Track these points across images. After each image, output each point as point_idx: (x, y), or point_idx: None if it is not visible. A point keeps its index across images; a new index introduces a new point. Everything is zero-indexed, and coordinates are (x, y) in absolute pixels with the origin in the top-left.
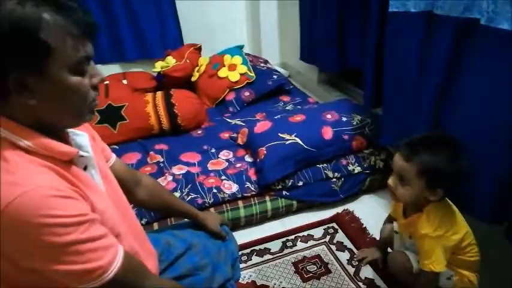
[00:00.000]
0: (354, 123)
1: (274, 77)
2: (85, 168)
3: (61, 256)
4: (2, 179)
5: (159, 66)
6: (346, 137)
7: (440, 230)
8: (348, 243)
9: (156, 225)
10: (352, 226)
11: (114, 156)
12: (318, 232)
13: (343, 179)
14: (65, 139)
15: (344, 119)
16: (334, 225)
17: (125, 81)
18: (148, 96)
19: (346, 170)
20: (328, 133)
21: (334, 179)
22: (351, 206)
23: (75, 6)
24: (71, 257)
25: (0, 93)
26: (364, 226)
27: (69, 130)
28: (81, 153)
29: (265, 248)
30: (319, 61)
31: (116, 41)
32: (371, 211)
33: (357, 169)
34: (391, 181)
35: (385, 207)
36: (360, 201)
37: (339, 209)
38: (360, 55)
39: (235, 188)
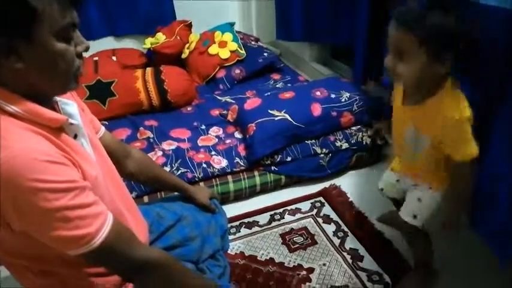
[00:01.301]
0: (343, 100)
1: (265, 54)
2: (75, 137)
3: (49, 221)
4: None
5: (148, 42)
6: (334, 113)
7: (467, 110)
8: (334, 216)
9: (146, 199)
10: (338, 200)
11: (103, 128)
12: (305, 206)
13: (330, 154)
14: (54, 108)
15: (333, 95)
16: (321, 199)
17: (114, 58)
18: (138, 72)
19: (334, 146)
20: (317, 110)
21: (322, 155)
22: (338, 181)
23: None
24: (59, 222)
25: None
26: (350, 200)
27: (59, 99)
28: (71, 120)
29: (253, 221)
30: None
31: (106, 15)
32: (357, 186)
33: (345, 145)
34: (388, 60)
35: (371, 182)
36: (347, 176)
37: (326, 184)
38: (351, 32)
39: (224, 163)
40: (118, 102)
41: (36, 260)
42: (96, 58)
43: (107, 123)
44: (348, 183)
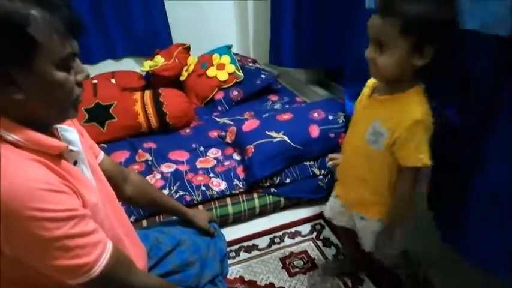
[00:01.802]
0: (340, 121)
1: (263, 76)
2: (75, 164)
3: (48, 250)
4: None
5: (147, 65)
6: (332, 135)
7: (429, 113)
8: (334, 239)
9: (145, 223)
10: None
11: (102, 153)
12: (305, 228)
13: (329, 176)
14: (54, 135)
15: (330, 117)
16: (321, 221)
17: (113, 80)
18: (137, 95)
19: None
20: (315, 131)
21: (321, 176)
22: None
23: (61, 4)
24: (58, 252)
25: None
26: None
27: (58, 126)
28: (71, 147)
29: (253, 244)
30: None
31: (105, 38)
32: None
33: None
34: (368, 52)
35: None
36: None
37: (325, 206)
38: (341, 56)
39: (223, 185)
40: (117, 124)
41: (32, 286)
42: (95, 81)
43: (105, 146)
44: None
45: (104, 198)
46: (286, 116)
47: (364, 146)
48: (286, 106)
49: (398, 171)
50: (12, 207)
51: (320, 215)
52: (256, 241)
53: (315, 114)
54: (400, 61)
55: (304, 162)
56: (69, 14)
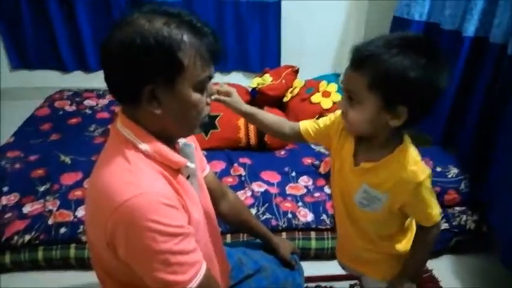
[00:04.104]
0: (449, 175)
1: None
2: (187, 177)
3: (151, 261)
4: (124, 178)
5: (256, 82)
6: (438, 189)
7: (425, 168)
8: None
9: (229, 237)
10: (428, 286)
11: (208, 167)
12: None
13: None
14: (175, 148)
15: (438, 169)
16: None
17: None
18: None
19: None
20: None
21: None
22: (430, 264)
23: (209, 32)
24: (160, 264)
25: (134, 98)
26: None
27: (180, 140)
28: (189, 164)
29: (331, 287)
30: None
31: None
32: (453, 275)
33: (444, 225)
34: (340, 105)
35: (471, 273)
36: (442, 260)
37: None
38: None
39: (310, 217)
40: (219, 135)
41: (128, 286)
42: None
43: (205, 153)
44: (441, 268)
45: (205, 214)
46: None
47: (353, 207)
48: None
49: (417, 229)
50: (134, 214)
51: None
52: (334, 284)
53: None
54: (370, 118)
55: None
56: (214, 42)
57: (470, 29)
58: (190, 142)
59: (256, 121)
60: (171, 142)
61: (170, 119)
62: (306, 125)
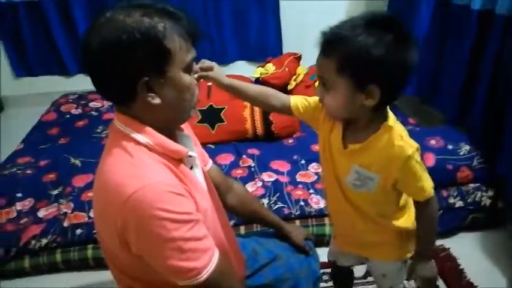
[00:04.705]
0: (461, 153)
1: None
2: (191, 168)
3: (164, 249)
4: (128, 172)
5: (259, 72)
6: (450, 166)
7: (412, 142)
8: (440, 283)
9: (242, 229)
10: (447, 265)
11: (210, 161)
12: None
13: (441, 211)
14: (174, 140)
15: (450, 147)
16: None
17: None
18: None
19: (446, 203)
20: (430, 160)
21: None
22: (447, 243)
23: (184, 15)
24: (173, 252)
25: (129, 95)
26: (461, 267)
27: (177, 132)
28: (190, 153)
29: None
30: None
31: (221, 43)
32: (470, 252)
33: (459, 203)
34: (317, 91)
35: (487, 250)
36: (459, 239)
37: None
38: None
39: (322, 203)
40: (225, 128)
41: (143, 283)
42: (210, 83)
43: (213, 146)
44: (459, 246)
45: (212, 204)
46: None
47: (347, 190)
48: None
49: (415, 208)
50: (142, 205)
51: None
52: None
53: (432, 141)
54: (346, 102)
55: None
56: (192, 23)
57: (477, 1)
58: (188, 135)
59: (241, 94)
60: (169, 133)
61: (168, 106)
62: (297, 101)
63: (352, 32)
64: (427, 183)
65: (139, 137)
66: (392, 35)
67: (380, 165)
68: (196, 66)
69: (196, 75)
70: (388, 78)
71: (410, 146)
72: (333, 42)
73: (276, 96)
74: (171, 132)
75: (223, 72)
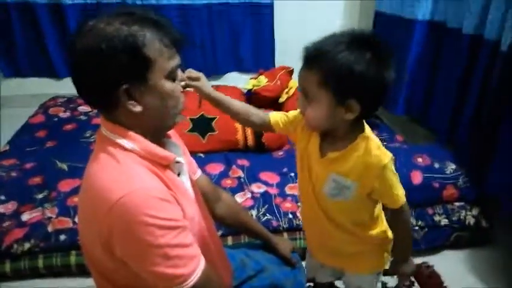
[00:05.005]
0: (447, 171)
1: (372, 115)
2: (178, 175)
3: (150, 256)
4: (115, 177)
5: (251, 83)
6: (436, 184)
7: (387, 152)
8: None
9: (230, 239)
10: (430, 281)
11: (199, 170)
12: (392, 280)
13: (426, 229)
14: (162, 147)
15: (436, 165)
16: (411, 277)
17: None
18: None
19: (432, 220)
20: (417, 177)
21: (417, 227)
22: (431, 259)
23: (166, 22)
24: (159, 258)
25: (111, 103)
26: (445, 285)
27: (165, 140)
28: (178, 159)
29: (330, 283)
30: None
31: (212, 55)
32: (454, 269)
33: (444, 221)
34: (298, 103)
35: (471, 268)
36: (442, 256)
37: (417, 260)
38: None
39: None
40: (216, 138)
41: None
42: None
43: (203, 155)
44: (443, 264)
45: (200, 212)
46: None
47: (323, 200)
48: (385, 143)
49: (389, 216)
50: (129, 211)
51: None
52: (337, 282)
53: (420, 159)
54: (326, 114)
55: None
56: (174, 31)
57: (468, 26)
58: (176, 143)
59: (223, 107)
60: (156, 139)
61: (151, 113)
62: (276, 117)
63: (335, 48)
64: (401, 191)
65: (125, 142)
66: (373, 53)
67: (357, 173)
68: (182, 75)
69: (182, 83)
70: (368, 93)
71: (386, 155)
72: (316, 57)
73: (257, 114)
74: (159, 140)
75: (209, 83)
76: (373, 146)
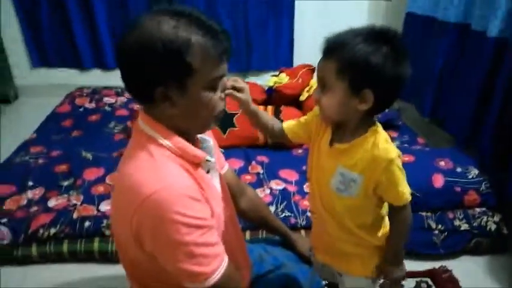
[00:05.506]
0: (470, 176)
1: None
2: (207, 172)
3: (176, 252)
4: (149, 172)
5: (272, 81)
6: (458, 189)
7: (396, 149)
8: None
9: (248, 234)
10: (448, 286)
11: (227, 164)
12: (409, 283)
13: (446, 233)
14: (195, 143)
15: (459, 169)
16: (429, 280)
17: None
18: (260, 109)
19: (452, 225)
20: (438, 181)
21: (437, 231)
22: (449, 264)
23: (219, 30)
24: (184, 255)
25: (148, 99)
26: None
27: (199, 136)
28: (208, 157)
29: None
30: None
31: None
32: (472, 275)
33: (464, 226)
34: (315, 92)
35: (490, 274)
36: (461, 261)
37: (435, 264)
38: None
39: None
40: (237, 133)
41: (154, 281)
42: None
43: (223, 150)
44: (461, 269)
45: (225, 208)
46: (407, 158)
47: (330, 195)
48: (406, 145)
49: (390, 212)
50: (159, 207)
51: (429, 273)
52: None
53: (442, 163)
54: (340, 103)
55: (420, 212)
56: (224, 40)
57: (493, 29)
58: (209, 138)
59: (256, 119)
60: (190, 137)
61: (184, 117)
62: (289, 124)
63: (354, 40)
64: (406, 189)
65: (160, 139)
66: (390, 47)
67: (364, 165)
68: (228, 83)
69: (226, 92)
70: (382, 85)
71: (394, 150)
72: (334, 48)
73: (278, 126)
74: (193, 137)
75: (250, 96)
76: (381, 140)
